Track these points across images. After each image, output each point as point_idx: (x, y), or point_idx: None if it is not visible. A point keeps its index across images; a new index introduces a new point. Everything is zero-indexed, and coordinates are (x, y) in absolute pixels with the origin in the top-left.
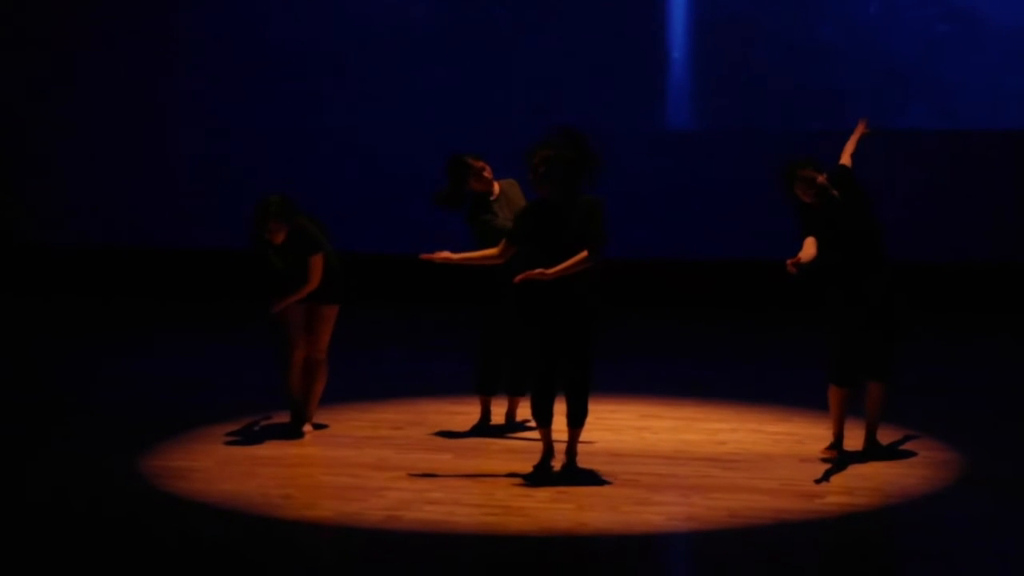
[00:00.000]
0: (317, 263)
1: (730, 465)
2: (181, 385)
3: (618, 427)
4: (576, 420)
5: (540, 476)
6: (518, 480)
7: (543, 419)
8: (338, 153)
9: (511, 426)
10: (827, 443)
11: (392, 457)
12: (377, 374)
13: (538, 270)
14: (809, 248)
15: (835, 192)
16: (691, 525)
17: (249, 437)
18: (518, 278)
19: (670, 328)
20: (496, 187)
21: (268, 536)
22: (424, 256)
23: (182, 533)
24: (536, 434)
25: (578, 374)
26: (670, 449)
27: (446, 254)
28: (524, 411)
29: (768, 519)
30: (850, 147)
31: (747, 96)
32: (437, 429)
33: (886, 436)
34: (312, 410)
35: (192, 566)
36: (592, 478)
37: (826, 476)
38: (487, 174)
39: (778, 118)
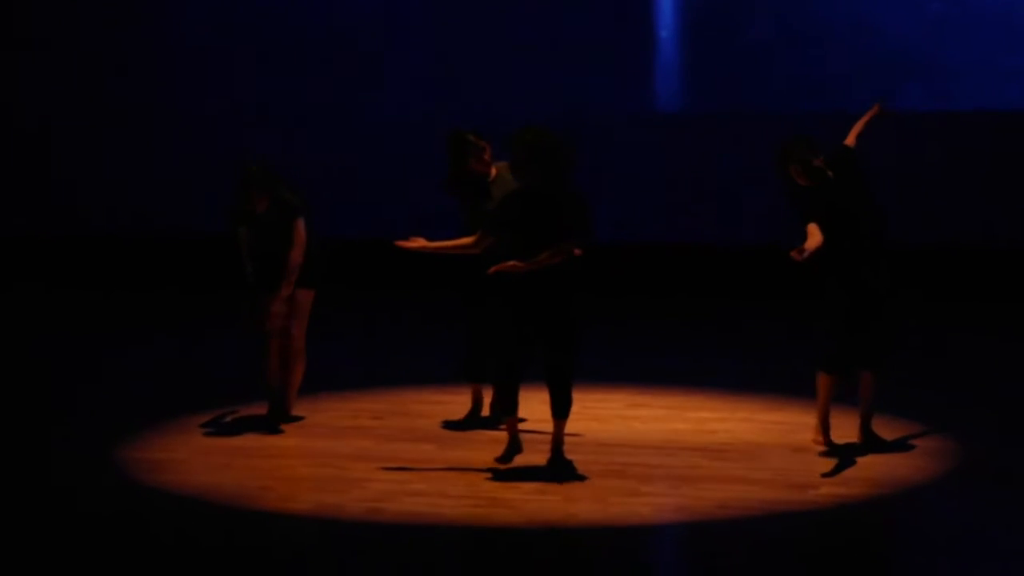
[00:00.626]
0: (300, 227)
1: (720, 455)
2: (157, 375)
3: (605, 416)
4: (560, 411)
5: (500, 466)
6: (503, 471)
7: (506, 408)
8: (323, 134)
9: (496, 417)
10: (816, 432)
11: (373, 447)
12: (357, 362)
13: (511, 262)
14: (815, 236)
15: (830, 173)
16: (681, 517)
17: (226, 428)
18: (492, 269)
19: (658, 315)
20: (493, 170)
21: (245, 529)
22: (399, 243)
23: (157, 526)
24: (525, 427)
25: (559, 362)
26: (659, 439)
27: (421, 242)
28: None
29: (760, 510)
30: (858, 127)
31: (738, 77)
32: (419, 419)
33: (880, 427)
34: (291, 401)
35: (167, 559)
36: (579, 469)
37: (835, 471)
38: (487, 156)
39: (770, 100)
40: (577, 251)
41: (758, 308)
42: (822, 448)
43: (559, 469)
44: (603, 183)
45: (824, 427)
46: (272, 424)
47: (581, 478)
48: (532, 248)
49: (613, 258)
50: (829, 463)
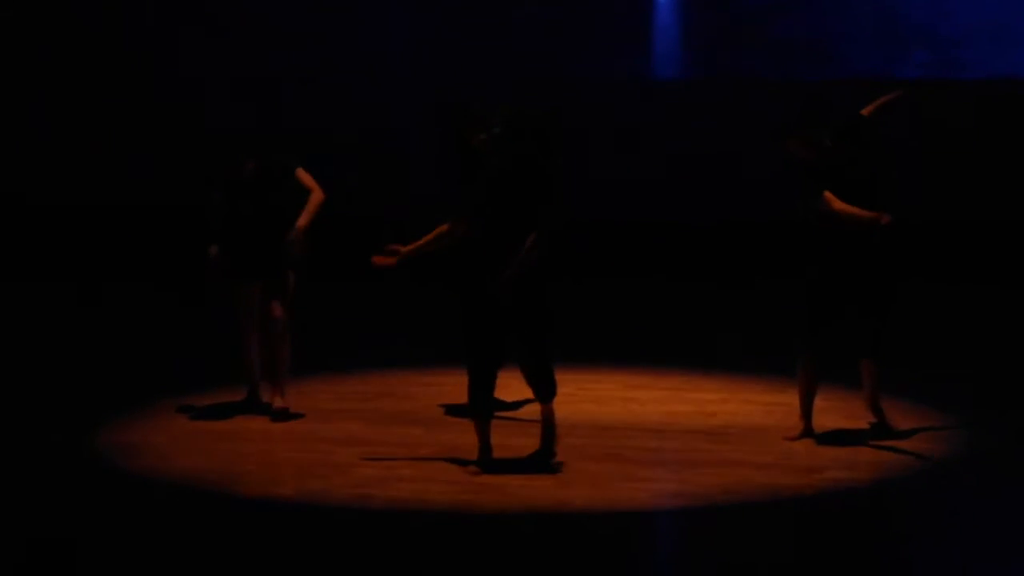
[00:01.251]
0: (305, 173)
1: (721, 438)
2: (137, 356)
3: (601, 398)
4: (545, 396)
5: (476, 472)
6: (495, 455)
7: (479, 411)
8: (314, 107)
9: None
10: (800, 420)
11: (359, 431)
12: (342, 344)
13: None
14: (844, 204)
15: (830, 143)
16: (680, 502)
17: (207, 411)
18: (375, 259)
19: (654, 293)
20: None
21: (225, 516)
22: (376, 261)
23: (135, 511)
24: (519, 413)
25: (534, 351)
26: (657, 421)
27: (397, 250)
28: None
29: (763, 495)
30: (880, 102)
31: (738, 42)
32: (407, 401)
33: (890, 410)
34: (283, 385)
35: (145, 546)
36: (574, 453)
37: (838, 456)
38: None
39: (772, 66)
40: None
41: (760, 285)
42: (795, 433)
43: (550, 453)
44: (597, 153)
45: (803, 410)
46: (254, 406)
47: (576, 462)
48: (502, 233)
49: (608, 233)
50: (834, 447)
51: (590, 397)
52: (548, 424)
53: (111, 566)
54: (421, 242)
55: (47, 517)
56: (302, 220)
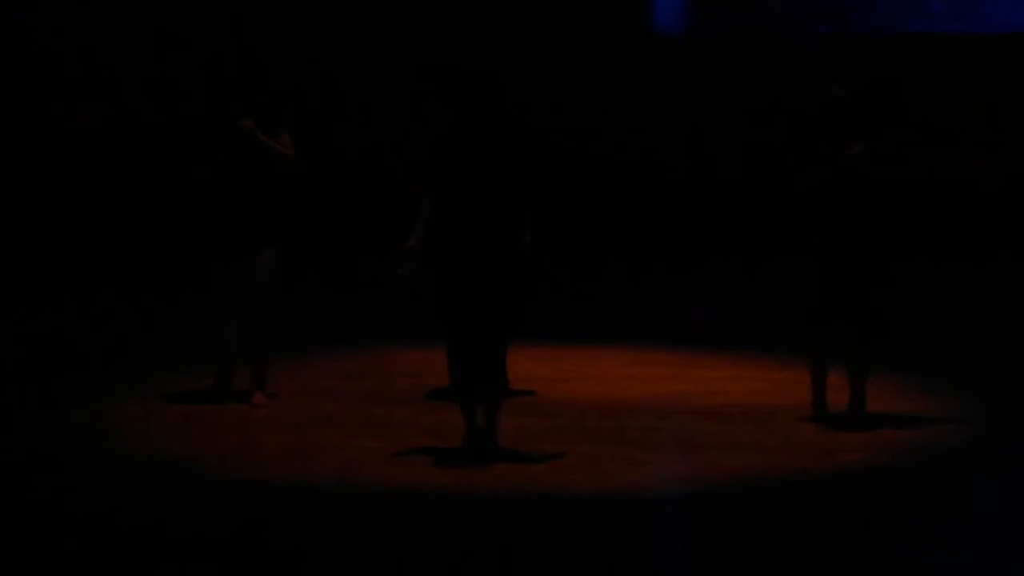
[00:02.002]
0: (287, 139)
1: (729, 418)
2: (112, 337)
3: (601, 376)
4: (483, 395)
5: (466, 459)
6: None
7: (459, 392)
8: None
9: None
10: (813, 400)
11: (342, 412)
12: (324, 321)
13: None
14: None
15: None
16: (685, 487)
17: (184, 393)
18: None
19: (657, 265)
20: None
21: (200, 499)
22: (401, 269)
23: (109, 494)
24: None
25: (487, 340)
26: (660, 401)
27: (411, 250)
28: None
29: (772, 480)
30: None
31: None
32: (394, 380)
33: (898, 393)
34: (267, 363)
35: (118, 531)
36: (570, 434)
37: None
38: None
39: (778, 20)
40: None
41: (768, 255)
42: (807, 413)
43: (489, 458)
44: (596, 110)
45: (815, 389)
46: (221, 390)
47: (574, 443)
48: (472, 204)
49: (604, 198)
50: (846, 429)
51: (588, 375)
52: (490, 427)
53: (95, 548)
54: (419, 225)
55: (18, 499)
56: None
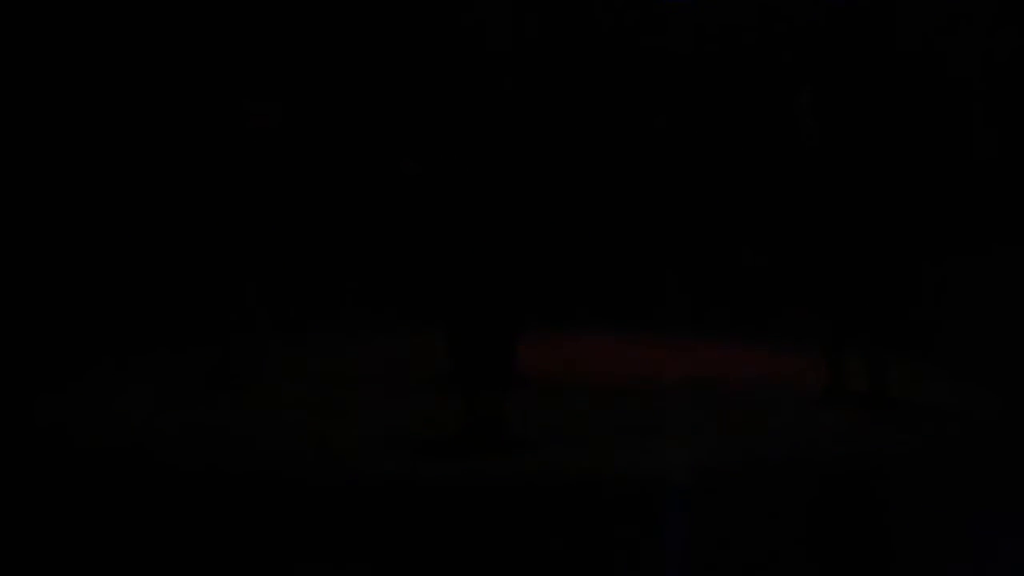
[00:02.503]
0: None
1: (740, 402)
2: (84, 323)
3: (605, 356)
4: (494, 383)
5: (467, 447)
6: (487, 419)
7: (462, 377)
8: None
9: None
10: (826, 383)
11: (335, 394)
12: (315, 300)
13: None
14: None
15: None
16: (688, 472)
17: (165, 379)
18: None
19: (664, 248)
20: None
21: (183, 490)
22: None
23: (78, 486)
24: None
25: (492, 326)
26: (670, 384)
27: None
28: None
29: (778, 465)
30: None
31: None
32: (394, 367)
33: (910, 380)
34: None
35: (103, 519)
36: (573, 417)
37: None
38: None
39: None
40: None
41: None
42: (819, 396)
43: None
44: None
45: (830, 372)
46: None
47: (581, 427)
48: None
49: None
50: (850, 415)
51: (591, 355)
52: (492, 419)
53: (59, 541)
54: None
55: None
56: None
